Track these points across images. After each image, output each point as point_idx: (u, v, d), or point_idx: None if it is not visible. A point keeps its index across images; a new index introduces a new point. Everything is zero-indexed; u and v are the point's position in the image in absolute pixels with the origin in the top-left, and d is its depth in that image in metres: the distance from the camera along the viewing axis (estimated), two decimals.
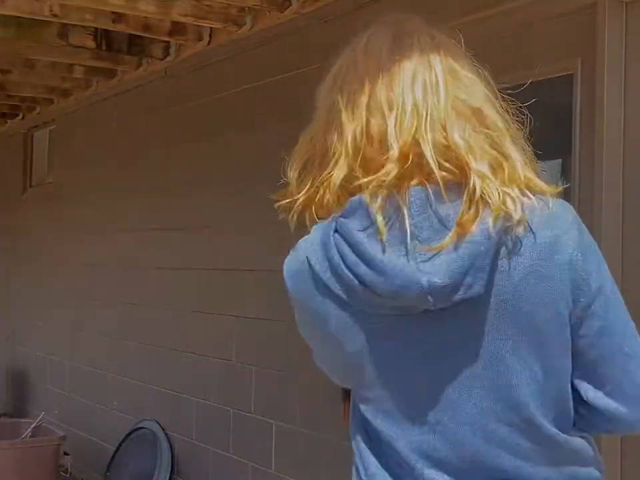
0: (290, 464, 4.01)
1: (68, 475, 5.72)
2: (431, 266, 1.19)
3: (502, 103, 1.32)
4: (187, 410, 4.78)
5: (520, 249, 1.23)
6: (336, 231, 1.26)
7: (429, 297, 1.19)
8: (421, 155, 1.21)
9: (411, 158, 1.21)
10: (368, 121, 1.25)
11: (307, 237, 1.36)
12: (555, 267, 1.24)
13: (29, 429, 5.46)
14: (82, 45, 4.70)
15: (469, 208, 1.20)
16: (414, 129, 1.22)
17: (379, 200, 1.21)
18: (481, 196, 1.20)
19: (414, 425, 1.28)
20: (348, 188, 1.26)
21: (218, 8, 4.11)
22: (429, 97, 1.25)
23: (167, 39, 4.69)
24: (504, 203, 1.21)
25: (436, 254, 1.19)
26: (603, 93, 2.63)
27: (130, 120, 5.55)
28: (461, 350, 1.25)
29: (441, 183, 1.20)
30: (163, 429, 4.96)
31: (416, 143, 1.22)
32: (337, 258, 1.25)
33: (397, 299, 1.21)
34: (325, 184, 1.28)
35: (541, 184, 1.29)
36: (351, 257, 1.23)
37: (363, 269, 1.21)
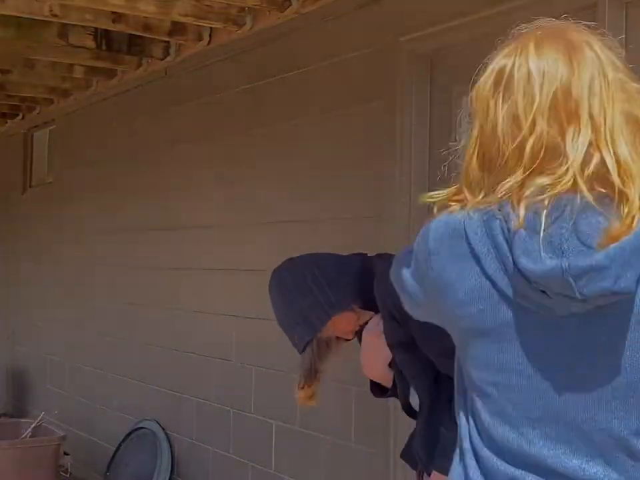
0: (290, 464, 4.01)
1: (68, 475, 5.71)
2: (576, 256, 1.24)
3: None
4: (187, 410, 4.78)
5: None
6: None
7: (571, 281, 1.22)
8: (599, 166, 1.26)
9: (586, 170, 1.26)
10: (546, 133, 1.29)
11: (457, 214, 1.34)
12: None
13: (29, 429, 5.46)
14: (82, 45, 4.70)
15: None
16: (588, 143, 1.27)
17: (546, 203, 1.26)
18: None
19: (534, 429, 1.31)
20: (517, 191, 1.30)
21: (218, 8, 4.11)
22: (604, 109, 1.29)
23: (166, 39, 4.69)
24: None
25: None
26: None
27: (130, 120, 5.55)
28: (602, 358, 1.28)
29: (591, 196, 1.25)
30: (163, 429, 4.97)
31: (590, 156, 1.26)
32: (500, 240, 1.28)
33: (542, 282, 1.24)
34: (500, 191, 1.30)
35: None
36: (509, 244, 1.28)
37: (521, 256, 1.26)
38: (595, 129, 1.28)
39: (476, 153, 1.34)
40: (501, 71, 1.36)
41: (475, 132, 1.35)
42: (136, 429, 5.17)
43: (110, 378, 5.63)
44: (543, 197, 1.25)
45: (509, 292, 1.29)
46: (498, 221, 1.29)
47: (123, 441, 5.23)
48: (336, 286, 2.26)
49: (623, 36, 2.66)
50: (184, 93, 4.94)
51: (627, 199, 1.24)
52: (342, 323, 2.33)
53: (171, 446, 4.89)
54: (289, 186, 4.05)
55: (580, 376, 1.29)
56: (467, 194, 1.34)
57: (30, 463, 5.02)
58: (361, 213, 3.61)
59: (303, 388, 2.44)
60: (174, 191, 4.99)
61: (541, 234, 1.24)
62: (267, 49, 4.23)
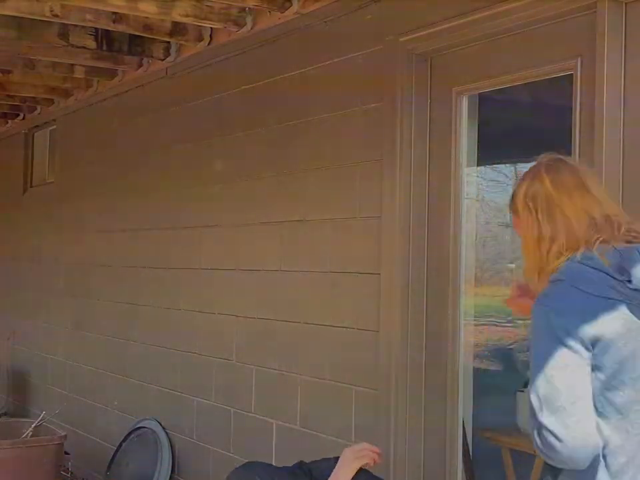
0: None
1: (69, 475, 5.72)
2: None
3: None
4: (188, 410, 4.78)
5: None
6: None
7: None
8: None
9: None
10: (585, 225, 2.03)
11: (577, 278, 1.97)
12: None
13: (30, 429, 5.45)
14: (83, 45, 4.70)
15: None
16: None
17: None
18: None
19: None
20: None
21: (218, 8, 4.12)
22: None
23: (167, 39, 4.70)
24: None
25: None
26: (603, 92, 2.64)
27: (130, 120, 5.56)
28: None
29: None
30: (164, 429, 4.97)
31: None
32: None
33: None
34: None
35: None
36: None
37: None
38: None
39: None
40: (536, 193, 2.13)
41: None
42: (136, 429, 5.17)
43: (110, 378, 5.64)
44: None
45: None
46: None
47: (124, 440, 5.23)
48: None
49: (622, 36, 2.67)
50: (184, 93, 4.94)
51: None
52: None
53: (171, 445, 4.90)
54: (288, 186, 4.05)
55: None
56: None
57: (31, 463, 5.02)
58: (361, 212, 3.62)
59: None
60: (174, 190, 5.00)
61: None
62: (266, 49, 4.23)
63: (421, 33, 3.31)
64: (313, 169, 3.89)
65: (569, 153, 2.91)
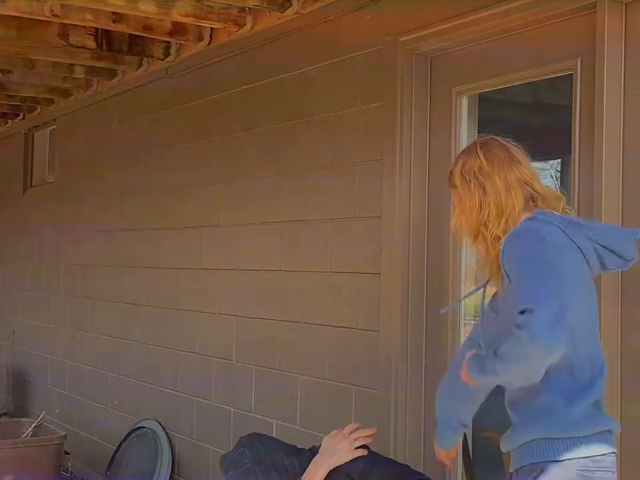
0: None
1: (69, 475, 5.71)
2: None
3: None
4: (187, 409, 4.78)
5: None
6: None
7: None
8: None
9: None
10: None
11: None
12: None
13: (30, 429, 5.45)
14: (82, 45, 4.70)
15: None
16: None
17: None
18: None
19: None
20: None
21: (218, 8, 4.12)
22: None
23: (167, 39, 4.70)
24: None
25: None
26: (603, 92, 2.64)
27: (130, 120, 5.56)
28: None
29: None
30: (164, 428, 4.97)
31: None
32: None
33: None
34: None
35: None
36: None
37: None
38: None
39: None
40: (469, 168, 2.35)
41: None
42: (136, 428, 5.17)
43: (110, 378, 5.64)
44: None
45: None
46: None
47: (124, 440, 5.23)
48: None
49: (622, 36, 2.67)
50: (184, 93, 4.94)
51: None
52: None
53: (171, 445, 4.90)
54: (288, 186, 4.06)
55: None
56: None
57: (31, 463, 5.01)
58: (361, 212, 3.62)
59: None
60: (174, 190, 5.00)
61: None
62: (266, 49, 4.23)
63: (421, 33, 3.31)
64: (313, 169, 3.89)
65: (569, 153, 2.91)
